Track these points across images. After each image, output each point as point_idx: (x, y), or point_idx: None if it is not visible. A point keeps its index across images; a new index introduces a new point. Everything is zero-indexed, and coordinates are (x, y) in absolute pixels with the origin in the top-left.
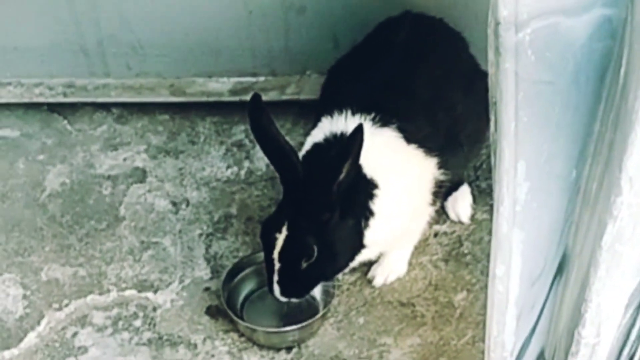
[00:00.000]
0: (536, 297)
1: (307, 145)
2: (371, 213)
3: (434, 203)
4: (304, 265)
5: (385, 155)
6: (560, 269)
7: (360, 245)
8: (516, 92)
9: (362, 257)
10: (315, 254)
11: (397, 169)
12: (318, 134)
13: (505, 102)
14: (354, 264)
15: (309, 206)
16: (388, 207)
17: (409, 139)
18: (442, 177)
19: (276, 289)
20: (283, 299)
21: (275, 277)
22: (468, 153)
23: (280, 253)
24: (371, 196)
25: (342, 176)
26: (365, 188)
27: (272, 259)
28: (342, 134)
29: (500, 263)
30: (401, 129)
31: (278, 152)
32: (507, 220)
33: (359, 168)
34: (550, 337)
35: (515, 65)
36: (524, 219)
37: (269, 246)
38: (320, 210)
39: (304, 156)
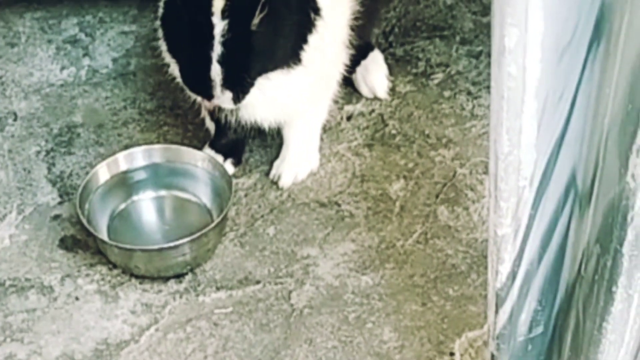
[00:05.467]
0: (566, 78)
1: None
2: None
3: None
4: (254, 25)
5: None
6: (598, 32)
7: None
8: None
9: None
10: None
11: None
12: None
13: None
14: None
15: None
16: None
17: None
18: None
19: (216, 71)
20: (227, 95)
21: (219, 49)
22: None
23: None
24: None
25: None
26: None
27: (210, 20)
28: None
29: (511, 25)
30: None
31: None
32: None
33: None
34: (584, 149)
35: None
36: None
37: None
38: None
39: None
